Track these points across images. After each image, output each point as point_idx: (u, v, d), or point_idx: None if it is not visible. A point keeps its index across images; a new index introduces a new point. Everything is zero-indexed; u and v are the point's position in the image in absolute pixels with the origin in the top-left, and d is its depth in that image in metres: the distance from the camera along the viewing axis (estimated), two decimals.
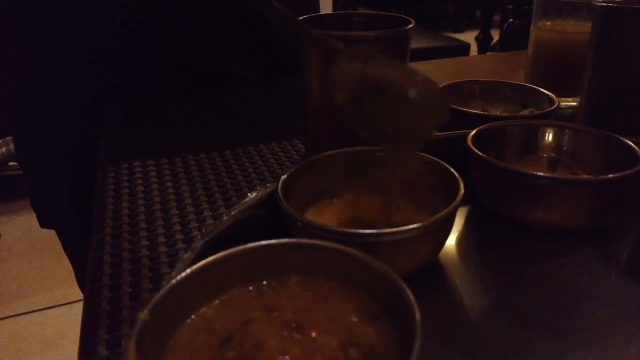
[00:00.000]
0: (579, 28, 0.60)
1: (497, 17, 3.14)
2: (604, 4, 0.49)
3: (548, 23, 0.63)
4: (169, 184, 0.47)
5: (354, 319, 0.26)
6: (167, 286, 0.24)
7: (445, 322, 0.31)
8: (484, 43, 2.90)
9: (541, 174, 0.35)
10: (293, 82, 0.48)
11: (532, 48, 0.65)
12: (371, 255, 0.30)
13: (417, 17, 4.07)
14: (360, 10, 1.96)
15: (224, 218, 0.33)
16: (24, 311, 1.63)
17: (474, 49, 2.89)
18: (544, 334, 0.29)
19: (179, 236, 0.39)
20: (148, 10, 0.65)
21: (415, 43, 2.24)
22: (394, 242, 0.31)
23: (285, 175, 0.35)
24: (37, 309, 1.64)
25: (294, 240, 0.28)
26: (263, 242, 0.28)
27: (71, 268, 0.78)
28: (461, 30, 4.22)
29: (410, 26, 0.45)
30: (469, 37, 3.18)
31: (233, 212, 0.34)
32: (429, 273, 0.35)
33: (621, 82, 0.49)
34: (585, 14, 0.61)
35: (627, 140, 0.39)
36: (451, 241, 0.38)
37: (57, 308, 1.63)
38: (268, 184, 0.37)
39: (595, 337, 0.29)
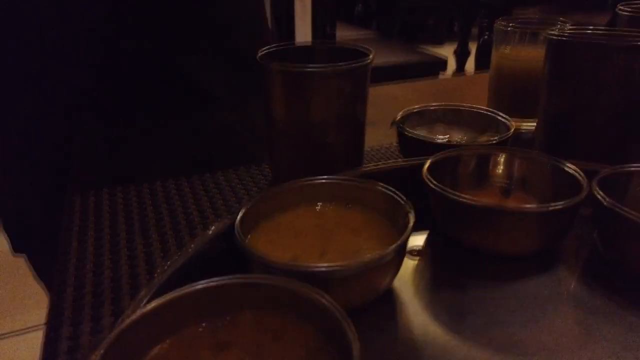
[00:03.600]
0: (536, 54, 0.62)
1: (476, 30, 3.20)
2: (555, 36, 0.52)
3: (507, 49, 0.65)
4: (136, 212, 0.48)
5: (304, 354, 0.27)
6: (119, 328, 0.25)
7: (396, 352, 0.32)
8: (461, 57, 2.96)
9: (487, 204, 0.37)
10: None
11: (493, 72, 0.67)
12: (323, 290, 0.31)
13: (398, 30, 4.11)
14: (330, 34, 1.98)
15: (180, 254, 0.34)
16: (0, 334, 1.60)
17: (452, 62, 2.94)
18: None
19: (142, 267, 0.40)
20: (118, 27, 0.64)
21: (394, 58, 2.28)
22: (346, 276, 0.32)
23: (244, 210, 0.36)
24: (13, 331, 1.61)
25: (246, 277, 0.29)
26: (215, 280, 0.29)
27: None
28: (441, 43, 4.28)
29: (369, 59, 0.46)
30: (449, 49, 3.23)
31: (192, 246, 0.35)
32: (384, 302, 0.36)
33: (573, 109, 0.51)
34: (542, 41, 0.63)
35: (571, 167, 0.41)
36: (408, 267, 0.39)
37: (33, 331, 1.61)
38: (229, 216, 0.38)
39: None
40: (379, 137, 0.65)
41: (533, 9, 2.79)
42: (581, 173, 0.40)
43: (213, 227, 0.36)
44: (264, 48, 0.48)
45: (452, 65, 2.96)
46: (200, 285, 0.28)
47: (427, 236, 0.43)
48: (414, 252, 0.41)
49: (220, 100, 0.72)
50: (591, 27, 0.55)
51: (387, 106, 0.80)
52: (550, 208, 0.35)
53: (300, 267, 0.32)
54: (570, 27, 0.61)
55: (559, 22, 0.64)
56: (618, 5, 0.70)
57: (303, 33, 2.28)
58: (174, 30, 0.68)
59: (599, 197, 0.37)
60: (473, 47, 2.84)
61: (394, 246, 0.33)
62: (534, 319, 0.34)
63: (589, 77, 0.50)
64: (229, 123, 0.69)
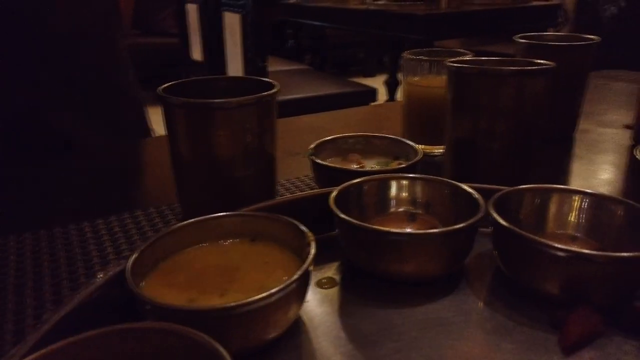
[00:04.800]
0: (441, 82, 0.65)
1: None
2: (455, 65, 0.54)
3: (415, 78, 0.68)
4: (29, 261, 0.44)
5: None
6: None
7: None
8: (392, 86, 3.08)
9: (386, 230, 0.37)
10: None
11: (404, 101, 0.70)
12: (221, 330, 0.30)
13: (331, 63, 4.20)
14: (262, 68, 2.00)
15: (64, 304, 0.32)
16: None
17: (383, 91, 3.05)
18: None
19: (30, 322, 0.37)
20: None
21: (326, 89, 2.32)
22: (244, 314, 0.31)
23: (138, 252, 0.34)
24: None
25: (129, 325, 0.27)
26: (94, 331, 0.27)
27: None
28: (372, 75, 4.44)
29: (273, 91, 0.46)
30: (379, 80, 3.36)
31: (79, 294, 0.32)
32: (291, 335, 0.35)
33: (473, 134, 0.53)
34: (445, 70, 0.66)
35: (470, 189, 0.42)
36: (317, 298, 0.38)
37: None
38: (123, 260, 0.36)
39: None
40: (299, 168, 0.65)
41: (454, 41, 2.96)
42: (479, 194, 0.41)
43: (101, 274, 0.34)
44: (167, 84, 0.47)
45: (384, 95, 3.07)
46: (75, 339, 0.26)
47: (338, 266, 0.43)
48: (324, 283, 0.40)
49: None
50: (489, 57, 0.58)
51: (309, 137, 0.80)
52: (442, 231, 0.36)
53: (195, 309, 0.30)
54: (470, 57, 0.64)
55: (461, 52, 0.68)
56: (514, 36, 0.75)
57: (235, 67, 2.28)
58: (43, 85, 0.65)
59: (494, 216, 0.38)
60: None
61: (293, 278, 0.32)
62: (438, 343, 0.34)
63: (485, 104, 0.52)
64: (137, 162, 0.67)
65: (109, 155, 0.70)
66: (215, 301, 0.34)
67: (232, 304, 0.30)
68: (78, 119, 0.70)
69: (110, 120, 0.78)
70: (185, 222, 0.39)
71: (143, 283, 0.35)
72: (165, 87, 0.46)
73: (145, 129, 0.91)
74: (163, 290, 0.35)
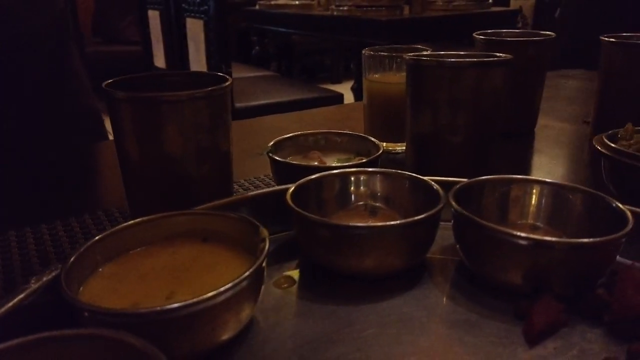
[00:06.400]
0: (402, 79, 0.65)
1: None
2: (413, 58, 0.54)
3: (376, 75, 0.67)
4: None
5: None
6: None
7: None
8: (358, 92, 3.10)
9: (346, 223, 0.35)
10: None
11: (366, 98, 0.69)
12: (167, 334, 0.27)
13: (298, 70, 4.18)
14: (226, 74, 1.97)
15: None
16: None
17: (350, 97, 3.06)
18: None
19: None
20: None
21: (295, 95, 2.30)
22: (190, 315, 0.28)
23: (74, 257, 0.32)
24: None
25: (60, 333, 0.25)
26: (20, 339, 0.24)
27: None
28: (339, 81, 4.45)
29: (225, 84, 0.44)
30: (346, 87, 3.37)
31: (7, 300, 0.30)
32: (246, 336, 0.33)
33: (433, 125, 0.53)
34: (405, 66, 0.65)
35: (430, 182, 0.41)
36: (275, 297, 0.37)
37: None
38: (56, 267, 0.33)
39: None
40: (259, 167, 0.63)
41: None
42: (439, 187, 0.40)
43: (34, 278, 0.31)
44: (113, 79, 0.45)
45: (351, 100, 3.08)
46: (2, 346, 0.23)
47: (296, 264, 0.41)
48: (281, 282, 0.38)
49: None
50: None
51: (270, 137, 0.78)
52: (401, 223, 0.35)
53: (129, 313, 0.28)
54: (428, 52, 0.64)
55: (420, 49, 0.68)
56: (474, 33, 0.75)
57: None
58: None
59: (453, 206, 0.37)
60: None
61: (243, 275, 0.30)
62: (399, 339, 0.32)
63: (444, 96, 0.52)
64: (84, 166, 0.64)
65: (54, 158, 0.66)
66: (161, 304, 0.31)
67: (175, 305, 0.28)
68: (23, 123, 0.67)
69: (61, 126, 0.75)
70: (131, 222, 0.36)
71: (81, 288, 0.32)
72: (110, 82, 0.44)
73: (101, 135, 0.88)
74: (104, 295, 0.32)
